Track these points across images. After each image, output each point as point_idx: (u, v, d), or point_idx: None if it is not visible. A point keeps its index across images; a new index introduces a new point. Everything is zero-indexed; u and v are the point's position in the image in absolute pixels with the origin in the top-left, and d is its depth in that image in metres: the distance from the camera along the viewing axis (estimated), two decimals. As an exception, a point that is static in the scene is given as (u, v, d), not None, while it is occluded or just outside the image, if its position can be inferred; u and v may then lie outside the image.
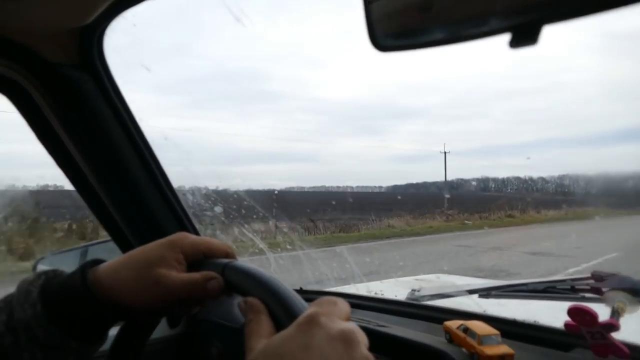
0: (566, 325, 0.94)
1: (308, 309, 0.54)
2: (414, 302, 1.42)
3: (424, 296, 1.44)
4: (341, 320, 0.52)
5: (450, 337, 1.00)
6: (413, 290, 1.54)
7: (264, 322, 0.55)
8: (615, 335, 0.97)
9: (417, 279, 2.23)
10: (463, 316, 1.11)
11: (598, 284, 1.01)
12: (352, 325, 0.51)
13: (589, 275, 1.06)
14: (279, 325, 0.55)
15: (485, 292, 1.19)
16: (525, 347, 1.03)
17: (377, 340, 1.09)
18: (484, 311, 1.22)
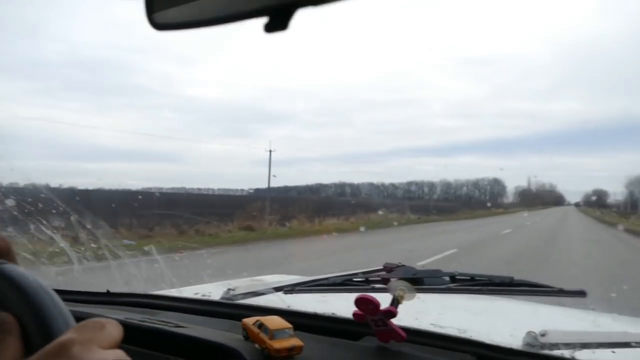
0: (354, 314, 0.98)
1: (64, 334, 0.43)
2: (227, 301, 1.39)
3: (237, 295, 1.42)
4: (102, 350, 0.42)
5: (247, 333, 0.98)
6: (229, 289, 1.50)
7: (9, 347, 0.43)
8: (396, 322, 1.04)
9: (252, 280, 2.20)
10: (268, 312, 1.11)
11: (388, 275, 1.07)
12: (112, 357, 0.43)
13: (382, 267, 1.12)
14: (31, 350, 0.43)
15: (290, 288, 1.20)
16: (319, 338, 1.05)
17: (171, 341, 1.03)
18: (288, 306, 1.23)
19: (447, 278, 0.98)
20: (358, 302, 0.94)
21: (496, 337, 1.02)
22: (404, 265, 1.07)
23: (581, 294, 0.85)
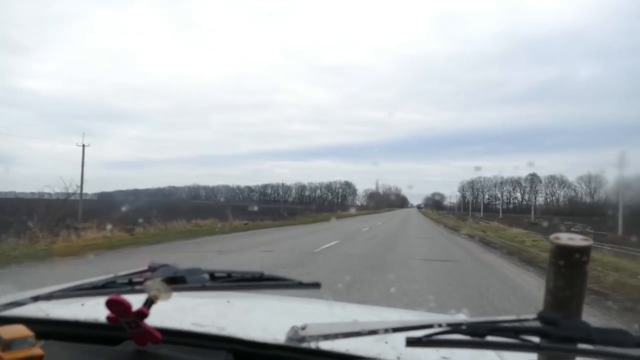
0: (108, 318, 0.94)
1: None
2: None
3: None
4: None
5: None
6: None
7: None
8: (159, 323, 1.03)
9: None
10: (24, 323, 1.01)
11: (152, 275, 1.05)
12: None
13: (147, 267, 1.09)
14: None
15: (48, 296, 1.11)
16: (73, 346, 0.99)
17: None
18: (47, 315, 1.14)
19: (207, 276, 1.00)
20: (109, 304, 0.90)
21: (258, 333, 1.07)
22: (168, 265, 1.06)
23: (316, 285, 0.94)
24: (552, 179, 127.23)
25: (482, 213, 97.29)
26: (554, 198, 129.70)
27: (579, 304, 0.99)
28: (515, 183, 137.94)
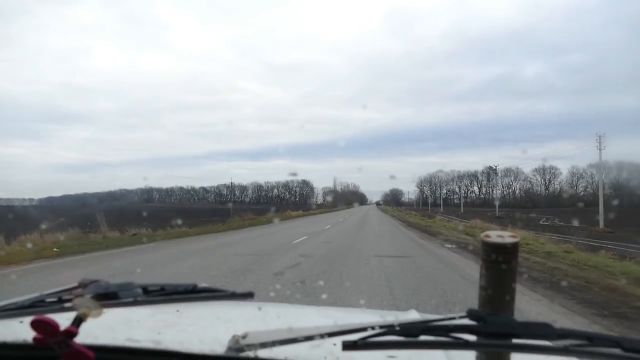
0: (34, 339, 0.90)
1: None
2: None
3: None
4: None
5: None
6: None
7: None
8: (92, 340, 0.99)
9: None
10: None
11: (82, 291, 1.01)
12: None
13: (77, 284, 1.05)
14: None
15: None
16: None
17: None
18: None
19: (140, 290, 0.97)
20: (34, 325, 0.86)
21: (195, 345, 1.05)
22: (98, 281, 1.02)
23: (249, 295, 0.93)
24: (508, 172, 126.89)
25: (442, 208, 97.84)
26: (510, 190, 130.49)
27: (511, 298, 1.03)
28: (472, 177, 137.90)
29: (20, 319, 1.08)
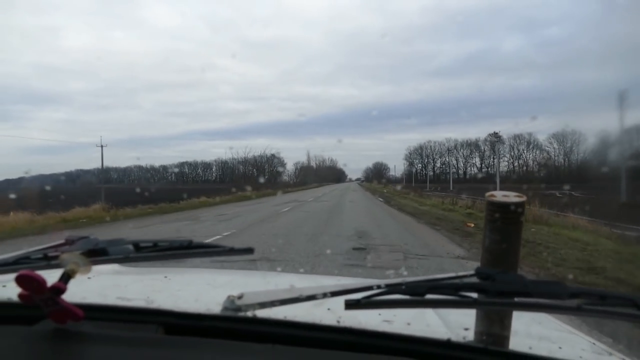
0: (19, 296, 0.85)
1: None
2: None
3: None
4: None
5: None
6: None
7: None
8: (80, 299, 0.95)
9: None
10: None
11: (70, 248, 0.96)
12: None
13: (64, 240, 1.00)
14: None
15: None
16: None
17: None
18: None
19: (130, 246, 0.92)
20: (19, 281, 0.81)
21: (190, 305, 1.01)
22: (87, 237, 0.97)
23: (249, 251, 0.89)
24: (518, 139, 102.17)
25: (428, 185, 78.88)
26: (519, 162, 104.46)
27: (515, 259, 1.00)
28: (473, 146, 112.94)
29: (3, 276, 1.03)
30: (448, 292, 0.80)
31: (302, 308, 0.93)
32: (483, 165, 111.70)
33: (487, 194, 1.03)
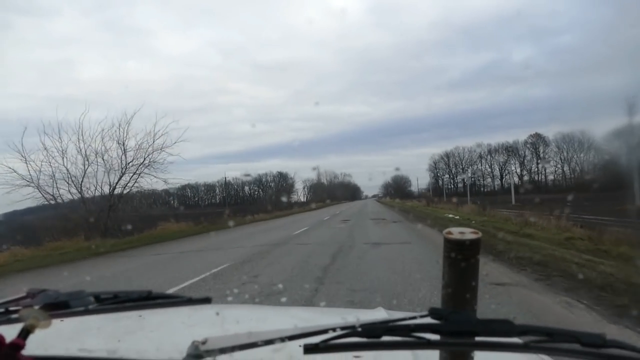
0: None
1: None
2: None
3: None
4: None
5: None
6: None
7: None
8: (43, 351, 0.94)
9: None
10: None
11: (31, 301, 0.96)
12: None
13: (25, 294, 1.00)
14: None
15: None
16: None
17: None
18: None
19: (92, 298, 0.93)
20: None
21: (153, 353, 1.01)
22: (47, 290, 0.97)
23: (206, 300, 0.90)
24: (567, 140, 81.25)
25: (468, 197, 47.44)
26: (570, 166, 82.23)
27: (473, 296, 1.03)
28: (511, 151, 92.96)
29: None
30: (403, 334, 0.82)
31: (263, 352, 0.94)
32: (524, 171, 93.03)
33: (444, 231, 1.06)
